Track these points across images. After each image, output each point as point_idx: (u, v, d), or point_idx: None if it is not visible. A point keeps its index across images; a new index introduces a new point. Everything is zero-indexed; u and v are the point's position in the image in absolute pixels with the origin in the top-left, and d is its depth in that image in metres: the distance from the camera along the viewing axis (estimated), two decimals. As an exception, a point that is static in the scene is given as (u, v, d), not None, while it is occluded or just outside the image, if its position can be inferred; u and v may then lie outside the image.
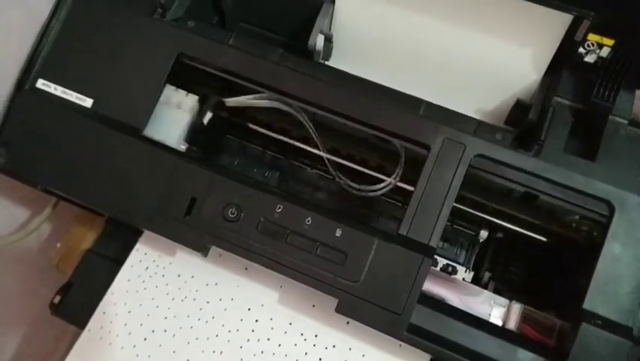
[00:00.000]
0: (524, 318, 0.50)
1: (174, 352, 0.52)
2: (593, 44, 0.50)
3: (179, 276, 0.55)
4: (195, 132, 0.57)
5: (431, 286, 0.52)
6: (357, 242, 0.49)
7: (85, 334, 0.54)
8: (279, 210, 0.50)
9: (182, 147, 0.56)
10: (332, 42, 0.60)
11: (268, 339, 0.52)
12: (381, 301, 0.47)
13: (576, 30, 0.51)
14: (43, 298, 0.59)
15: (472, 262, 0.62)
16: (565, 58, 0.52)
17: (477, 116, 0.54)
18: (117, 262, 0.57)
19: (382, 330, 0.47)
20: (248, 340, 0.52)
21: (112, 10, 0.56)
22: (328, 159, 0.58)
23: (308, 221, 0.50)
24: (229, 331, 0.53)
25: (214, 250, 0.51)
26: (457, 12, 0.55)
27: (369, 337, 0.51)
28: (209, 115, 0.57)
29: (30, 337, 0.77)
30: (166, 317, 0.54)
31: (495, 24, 0.54)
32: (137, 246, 0.57)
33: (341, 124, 0.53)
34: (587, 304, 0.46)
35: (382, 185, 0.54)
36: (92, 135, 0.54)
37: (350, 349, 0.52)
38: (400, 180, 0.54)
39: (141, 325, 0.54)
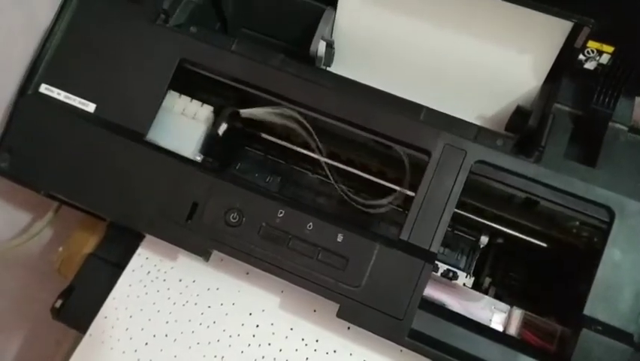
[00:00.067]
0: (525, 324, 0.50)
1: (175, 356, 0.52)
2: (592, 51, 0.50)
3: (180, 280, 0.55)
4: (210, 144, 0.57)
5: (432, 292, 0.52)
6: (359, 247, 0.49)
7: (86, 338, 0.54)
8: (281, 215, 0.50)
9: (198, 158, 0.56)
10: (333, 48, 0.61)
11: (269, 344, 0.52)
12: (382, 307, 0.47)
13: (576, 37, 0.51)
14: (45, 303, 0.59)
15: (473, 268, 0.62)
16: (565, 65, 0.53)
17: (477, 123, 0.54)
18: (119, 267, 0.57)
19: (383, 335, 0.47)
20: (249, 345, 0.52)
21: (115, 15, 0.56)
22: (333, 176, 0.58)
23: (309, 226, 0.50)
24: (230, 336, 0.53)
25: (215, 254, 0.52)
26: (458, 19, 0.55)
27: (371, 342, 0.51)
28: (224, 126, 0.57)
29: (31, 341, 0.77)
30: (167, 322, 0.54)
31: (495, 31, 0.54)
32: (139, 250, 0.57)
33: (342, 130, 0.53)
34: (588, 310, 0.46)
35: (386, 200, 0.54)
36: (95, 140, 0.54)
37: (351, 354, 0.52)
38: (401, 186, 0.54)
39: (142, 329, 0.54)
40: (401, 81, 0.59)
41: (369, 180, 0.59)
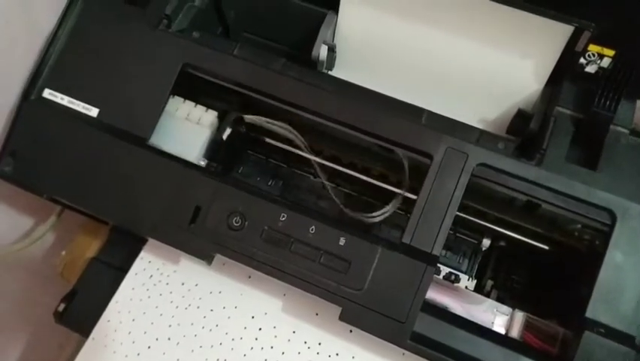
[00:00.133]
0: (527, 326, 0.50)
1: (178, 360, 0.53)
2: (593, 55, 0.50)
3: (183, 284, 0.56)
4: (214, 148, 0.57)
5: (434, 295, 0.52)
6: (361, 251, 0.49)
7: (89, 342, 0.54)
8: (283, 218, 0.50)
9: (202, 163, 0.56)
10: (335, 52, 0.61)
11: (272, 347, 0.52)
12: (384, 310, 0.47)
13: (577, 41, 0.51)
14: (47, 306, 0.59)
15: (475, 271, 0.62)
16: (566, 68, 0.53)
17: (479, 126, 0.54)
18: (121, 270, 0.57)
19: (386, 338, 0.47)
20: (251, 348, 0.53)
21: (118, 20, 0.56)
22: (338, 175, 0.57)
23: (312, 230, 0.50)
24: (233, 339, 0.53)
25: (218, 258, 0.52)
26: (459, 23, 0.55)
27: (373, 345, 0.51)
28: (228, 131, 0.57)
29: (34, 345, 0.77)
30: (170, 325, 0.54)
31: (497, 35, 0.54)
32: (142, 254, 0.57)
33: (344, 133, 0.54)
34: (590, 313, 0.46)
35: (381, 212, 0.54)
36: (98, 144, 0.54)
37: (353, 357, 0.52)
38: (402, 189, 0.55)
39: (145, 333, 0.54)
40: (403, 85, 0.59)
41: (371, 183, 0.59)
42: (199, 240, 0.51)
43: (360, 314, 0.48)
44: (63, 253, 0.63)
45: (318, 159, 0.58)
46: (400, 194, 0.54)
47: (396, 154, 0.53)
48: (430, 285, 0.48)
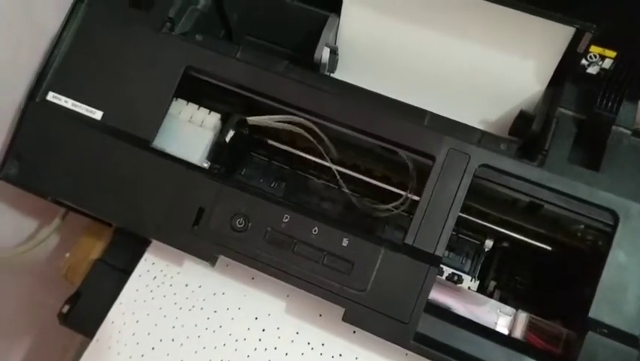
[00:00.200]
0: (530, 327, 0.50)
1: (182, 361, 0.53)
2: (595, 56, 0.50)
3: (186, 285, 0.56)
4: (217, 151, 0.58)
5: (437, 295, 0.52)
6: (364, 252, 0.49)
7: (93, 343, 0.54)
8: (286, 220, 0.51)
9: (205, 165, 0.56)
10: (337, 55, 0.61)
11: (275, 348, 0.53)
12: (387, 310, 0.48)
13: (578, 42, 0.52)
14: (51, 308, 0.59)
15: (478, 271, 0.62)
16: (568, 69, 0.53)
17: (481, 127, 0.55)
18: (125, 272, 0.57)
19: (389, 339, 0.47)
20: (255, 349, 0.53)
21: (121, 24, 0.57)
22: (341, 176, 0.58)
23: (315, 231, 0.50)
24: (236, 340, 0.53)
25: (221, 259, 0.52)
26: (461, 25, 0.55)
27: (376, 346, 0.51)
28: (231, 133, 0.57)
29: (38, 346, 0.77)
30: (174, 327, 0.54)
31: (499, 37, 0.55)
32: (145, 256, 0.57)
33: (347, 135, 0.54)
34: (593, 313, 0.46)
35: (396, 203, 0.54)
36: (102, 147, 0.54)
37: (357, 358, 0.52)
38: (406, 191, 0.55)
39: (149, 334, 0.54)
40: (405, 87, 0.60)
41: (374, 185, 0.59)
42: (202, 241, 0.51)
43: (364, 315, 0.48)
44: (67, 255, 0.63)
45: (329, 164, 0.58)
46: (407, 192, 0.54)
47: (399, 156, 0.53)
48: (433, 286, 0.48)
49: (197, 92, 0.58)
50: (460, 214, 0.49)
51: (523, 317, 0.51)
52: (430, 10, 0.56)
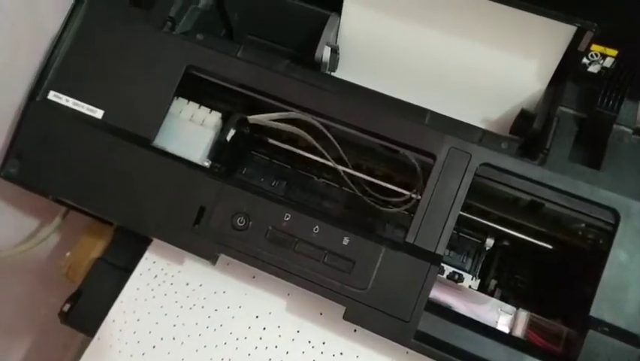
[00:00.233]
0: (531, 325, 0.50)
1: (183, 359, 0.53)
2: (596, 55, 0.50)
3: (187, 284, 0.56)
4: (218, 150, 0.58)
5: (438, 294, 0.52)
6: (365, 250, 0.49)
7: (94, 342, 0.55)
8: (287, 218, 0.51)
9: (206, 164, 0.56)
10: (338, 54, 0.61)
11: (276, 347, 0.53)
12: (388, 309, 0.48)
13: (579, 41, 0.52)
14: (52, 307, 0.59)
15: (479, 270, 0.62)
16: (569, 68, 0.53)
17: (482, 126, 0.54)
18: (126, 271, 0.58)
19: (390, 337, 0.48)
20: (256, 347, 0.53)
21: (122, 23, 0.57)
22: (350, 175, 0.58)
23: (316, 229, 0.50)
24: (237, 339, 0.53)
25: (222, 258, 0.52)
26: (462, 24, 0.55)
27: (377, 344, 0.51)
28: (232, 132, 0.57)
29: (39, 345, 0.77)
30: (174, 325, 0.54)
31: (499, 36, 0.55)
32: (146, 254, 0.58)
33: (348, 134, 0.54)
34: (594, 312, 0.46)
35: (399, 200, 0.54)
36: (103, 146, 0.54)
37: (357, 356, 0.52)
38: (407, 189, 0.55)
39: (150, 333, 0.54)
40: (405, 86, 0.60)
41: (377, 184, 0.59)
42: (203, 240, 0.51)
43: (364, 314, 0.48)
44: (68, 253, 0.63)
45: (332, 163, 0.58)
46: (417, 184, 0.54)
47: (400, 154, 0.53)
48: (434, 284, 0.48)
49: (198, 91, 0.58)
50: (461, 213, 0.49)
51: (523, 315, 0.51)
52: (430, 9, 0.56)
